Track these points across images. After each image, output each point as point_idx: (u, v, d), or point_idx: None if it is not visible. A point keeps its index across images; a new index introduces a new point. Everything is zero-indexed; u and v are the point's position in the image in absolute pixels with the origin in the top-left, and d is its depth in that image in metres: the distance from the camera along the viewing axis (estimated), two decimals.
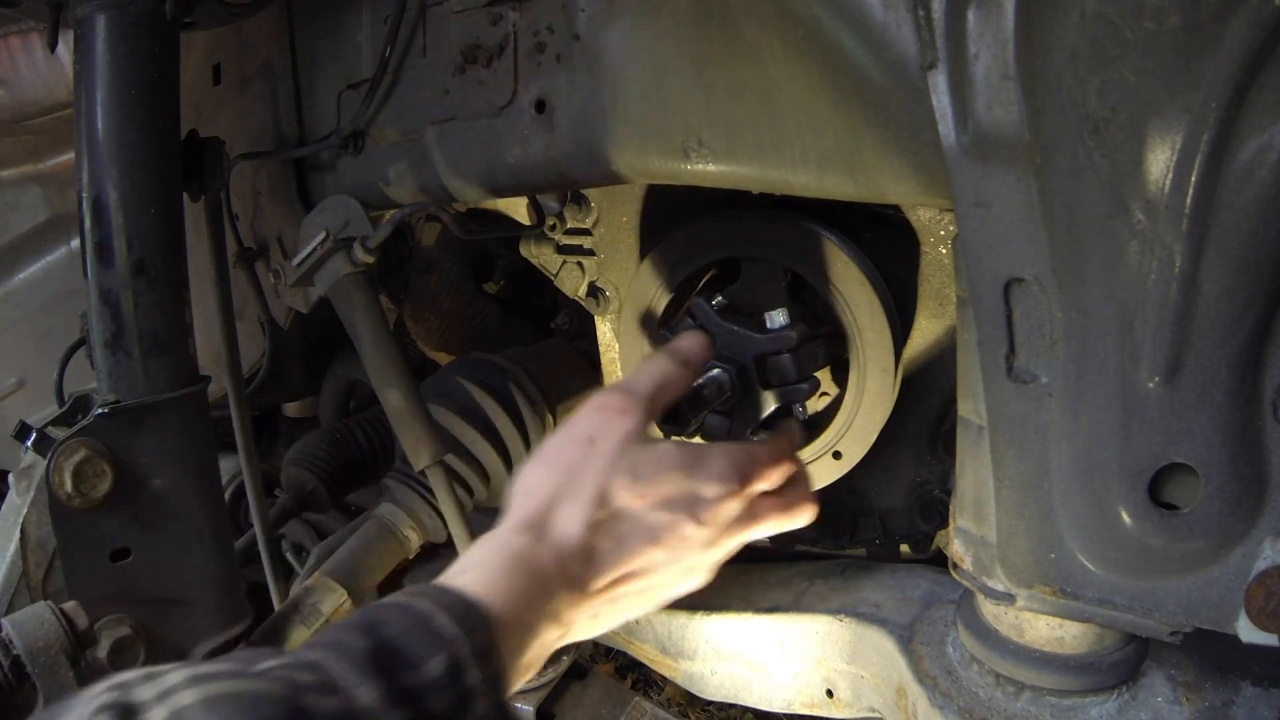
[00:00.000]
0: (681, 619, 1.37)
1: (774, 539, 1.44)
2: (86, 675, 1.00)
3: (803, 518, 0.98)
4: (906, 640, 1.14)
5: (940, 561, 1.31)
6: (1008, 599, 0.93)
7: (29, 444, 1.09)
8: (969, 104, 0.77)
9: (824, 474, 1.29)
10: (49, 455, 1.04)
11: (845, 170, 0.91)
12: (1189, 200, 0.68)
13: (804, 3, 0.85)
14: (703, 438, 1.13)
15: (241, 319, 1.52)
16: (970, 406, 0.93)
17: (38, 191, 1.96)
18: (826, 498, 1.35)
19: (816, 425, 1.27)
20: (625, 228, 1.38)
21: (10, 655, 0.96)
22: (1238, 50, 0.63)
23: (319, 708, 0.57)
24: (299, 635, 1.33)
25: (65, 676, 0.97)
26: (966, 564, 0.98)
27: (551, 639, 0.80)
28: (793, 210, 1.21)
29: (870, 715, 1.24)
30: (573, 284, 1.45)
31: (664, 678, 1.46)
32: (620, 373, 1.44)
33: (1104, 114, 0.69)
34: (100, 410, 1.08)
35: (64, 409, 1.16)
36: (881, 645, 1.17)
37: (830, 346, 1.20)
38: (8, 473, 1.55)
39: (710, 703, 1.62)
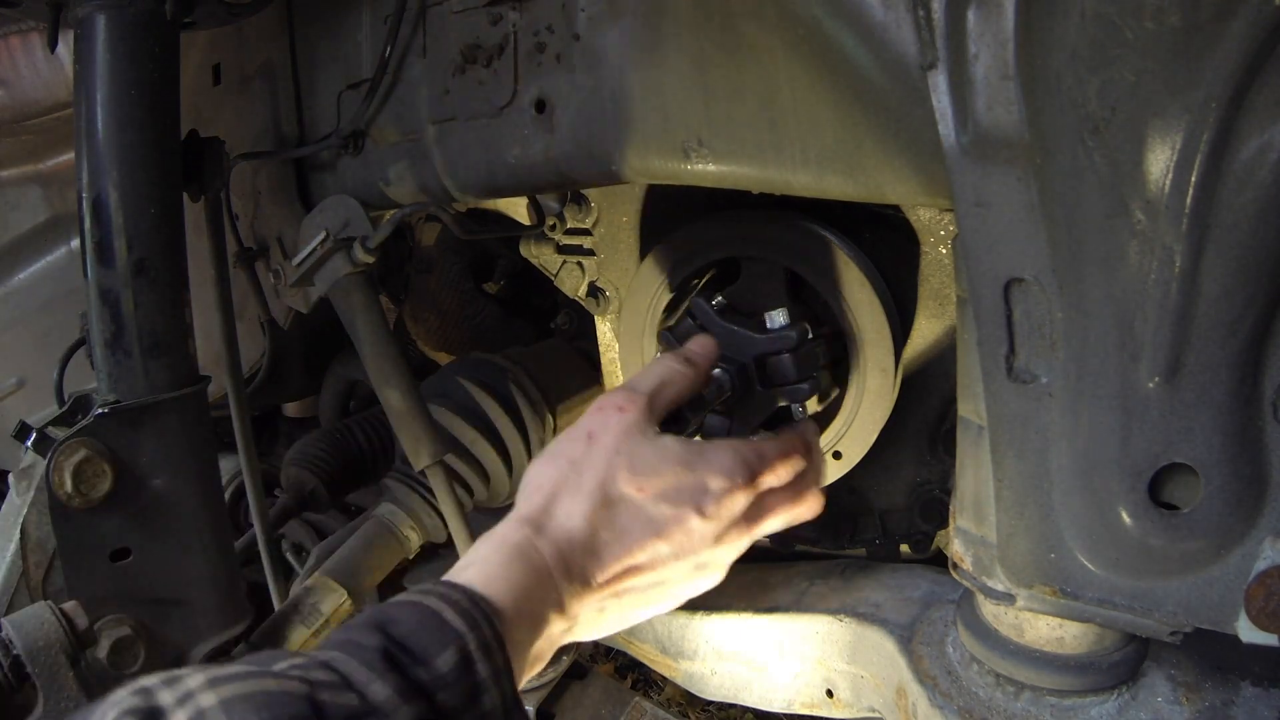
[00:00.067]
0: (681, 619, 1.37)
1: (774, 539, 1.45)
2: (86, 675, 1.00)
3: (810, 512, 0.99)
4: (906, 640, 1.14)
5: (940, 561, 1.31)
6: (1008, 599, 0.93)
7: (29, 444, 1.09)
8: (969, 104, 0.77)
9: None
10: (49, 455, 1.04)
11: (845, 170, 0.91)
12: (1189, 200, 0.68)
13: (804, 3, 0.85)
14: (703, 438, 1.13)
15: (241, 319, 1.52)
16: (970, 406, 0.93)
17: (38, 191, 1.96)
18: (826, 498, 1.35)
19: (816, 425, 1.27)
20: (625, 228, 1.38)
21: (10, 655, 0.96)
22: (1238, 50, 0.63)
23: (335, 705, 0.58)
24: (299, 635, 1.33)
25: (65, 676, 0.97)
26: (966, 564, 0.98)
27: (557, 632, 0.80)
28: (793, 210, 1.21)
29: (870, 715, 1.24)
30: (573, 284, 1.45)
31: (664, 678, 1.46)
32: (620, 373, 1.44)
33: (1104, 114, 0.69)
34: (100, 410, 1.08)
35: (64, 409, 1.16)
36: (881, 645, 1.17)
37: (830, 346, 1.20)
38: (8, 473, 1.55)
39: (710, 703, 1.62)
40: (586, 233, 1.41)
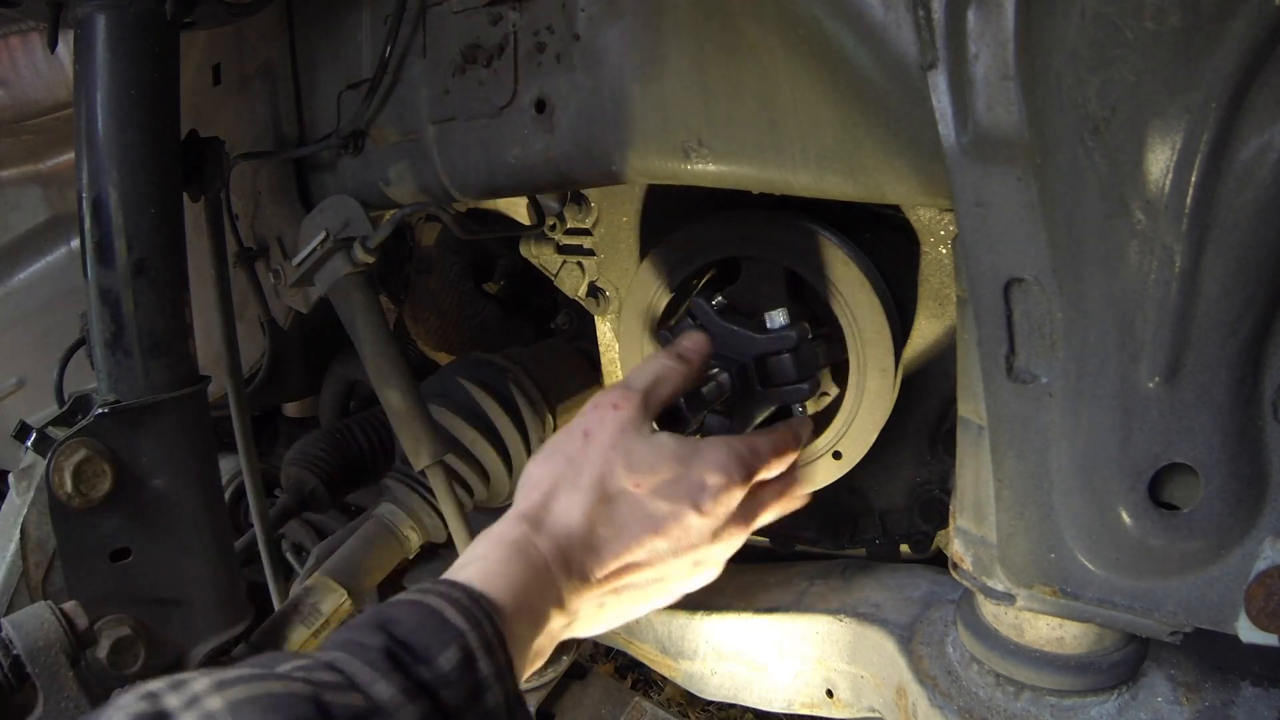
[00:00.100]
0: (681, 619, 1.37)
1: (774, 539, 1.45)
2: (86, 675, 1.00)
3: (799, 502, 1.01)
4: (906, 640, 1.14)
5: (940, 561, 1.31)
6: (1008, 599, 0.93)
7: (29, 444, 1.09)
8: (969, 104, 0.77)
9: (824, 474, 1.29)
10: (49, 455, 1.04)
11: (845, 170, 0.91)
12: (1189, 200, 0.68)
13: (804, 3, 0.85)
14: (702, 437, 1.13)
15: (241, 319, 1.52)
16: (970, 406, 0.93)
17: (38, 191, 1.96)
18: (826, 498, 1.35)
19: (816, 425, 1.27)
20: (625, 228, 1.38)
21: (10, 655, 0.96)
22: (1238, 50, 0.63)
23: (340, 705, 0.58)
24: (299, 635, 1.32)
25: (65, 676, 0.97)
26: (966, 564, 0.98)
27: (557, 628, 0.81)
28: (793, 210, 1.21)
29: (870, 715, 1.24)
30: (573, 284, 1.45)
31: (664, 678, 1.46)
32: (620, 373, 1.44)
33: (1104, 114, 0.69)
34: (100, 410, 1.08)
35: (64, 409, 1.16)
36: (881, 645, 1.17)
37: (830, 346, 1.20)
38: (8, 473, 1.55)
39: (710, 703, 1.62)
40: (586, 233, 1.41)
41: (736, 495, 0.90)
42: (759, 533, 1.08)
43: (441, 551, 1.89)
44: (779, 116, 0.92)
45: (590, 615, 0.85)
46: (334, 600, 1.36)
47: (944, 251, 1.21)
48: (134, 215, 1.08)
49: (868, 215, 1.23)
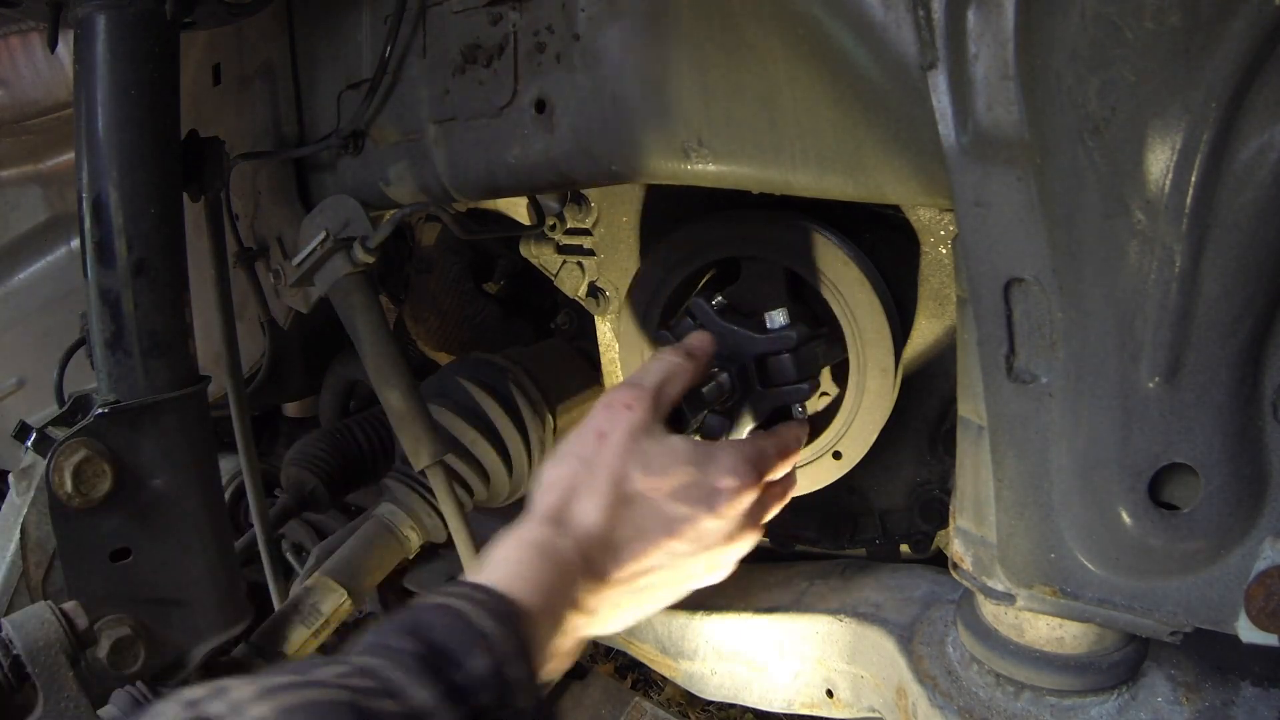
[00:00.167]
0: (681, 619, 1.37)
1: (774, 539, 1.45)
2: (86, 675, 1.00)
3: (790, 495, 1.04)
4: (906, 640, 1.14)
5: (940, 561, 1.31)
6: (1008, 599, 0.93)
7: (29, 444, 1.09)
8: (969, 104, 0.77)
9: (824, 474, 1.29)
10: (49, 455, 1.04)
11: (845, 170, 0.91)
12: (1189, 200, 0.68)
13: (804, 2, 0.85)
14: (702, 438, 1.13)
15: (241, 319, 1.52)
16: (970, 406, 0.93)
17: (38, 191, 1.96)
18: (826, 498, 1.35)
19: (816, 425, 1.27)
20: (625, 228, 1.38)
21: (10, 655, 0.96)
22: (1238, 50, 0.63)
23: (380, 711, 0.59)
24: (299, 635, 1.32)
25: (65, 676, 0.97)
26: (966, 564, 0.98)
27: (578, 629, 0.82)
28: (793, 210, 1.21)
29: (870, 715, 1.24)
30: (573, 284, 1.45)
31: (664, 678, 1.46)
32: (620, 373, 1.44)
33: (1104, 114, 0.69)
34: (100, 410, 1.08)
35: (64, 409, 1.16)
36: (881, 645, 1.17)
37: (830, 346, 1.20)
38: (8, 473, 1.55)
39: (710, 703, 1.62)
40: (586, 233, 1.41)
41: (748, 498, 0.92)
42: None
43: (441, 551, 1.89)
44: (779, 116, 0.92)
45: (608, 615, 0.86)
46: (334, 600, 1.36)
47: (944, 251, 1.21)
48: (134, 215, 1.08)
49: (868, 215, 1.23)
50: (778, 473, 0.99)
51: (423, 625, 0.68)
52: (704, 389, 1.03)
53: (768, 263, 1.21)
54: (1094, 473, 0.81)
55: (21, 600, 1.09)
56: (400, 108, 1.22)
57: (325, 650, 1.40)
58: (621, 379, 1.44)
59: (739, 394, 1.09)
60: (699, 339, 1.03)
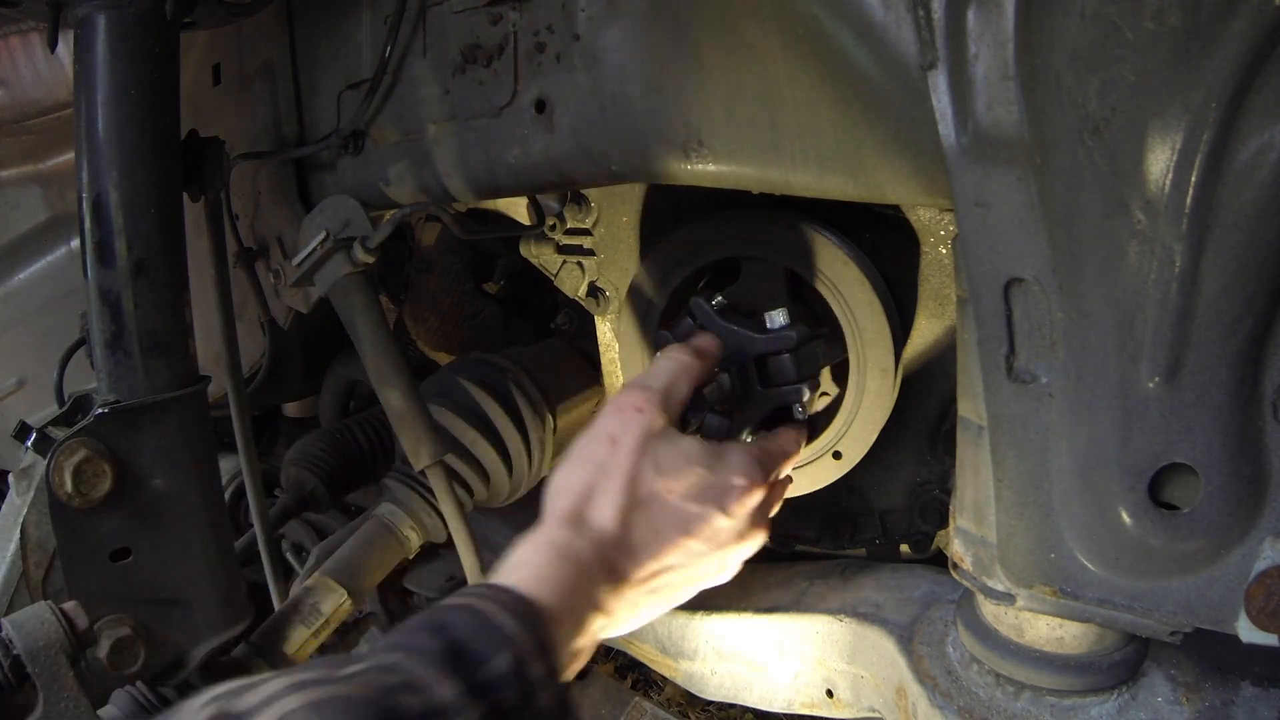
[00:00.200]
0: (681, 619, 1.37)
1: (774, 539, 1.45)
2: (86, 675, 1.00)
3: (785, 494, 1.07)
4: (906, 640, 1.14)
5: (940, 561, 1.31)
6: (1008, 599, 0.93)
7: (29, 444, 1.09)
8: (969, 104, 0.77)
9: (824, 474, 1.29)
10: (49, 455, 1.04)
11: (845, 170, 0.91)
12: (1189, 200, 0.68)
13: (804, 2, 0.85)
14: (702, 437, 1.13)
15: (241, 319, 1.51)
16: (970, 406, 0.93)
17: (38, 191, 1.96)
18: (826, 498, 1.35)
19: (816, 425, 1.27)
20: (625, 228, 1.38)
21: (10, 655, 0.95)
22: (1238, 50, 0.63)
23: (407, 707, 0.60)
24: (299, 635, 1.32)
25: (65, 676, 0.97)
26: (966, 564, 0.98)
27: (597, 628, 0.84)
28: (793, 210, 1.21)
29: (870, 715, 1.24)
30: (573, 284, 1.45)
31: (664, 678, 1.46)
32: (620, 372, 1.44)
33: (1104, 114, 0.69)
34: (100, 410, 1.08)
35: (64, 409, 1.16)
36: (881, 645, 1.17)
37: (830, 346, 1.20)
38: (8, 473, 1.55)
39: (710, 703, 1.62)
40: (586, 233, 1.41)
41: (758, 497, 0.95)
42: None
43: (441, 551, 1.89)
44: (779, 116, 0.92)
45: (625, 615, 0.88)
46: (334, 600, 1.36)
47: (944, 251, 1.21)
48: (134, 215, 1.08)
49: (868, 215, 1.23)
50: (781, 473, 1.02)
51: (446, 624, 0.69)
52: (705, 389, 1.03)
53: (768, 263, 1.21)
54: (1094, 473, 0.81)
55: (21, 600, 1.09)
56: (400, 108, 1.22)
57: (325, 650, 1.40)
58: (622, 379, 1.44)
59: (739, 394, 1.09)
60: (706, 340, 1.05)
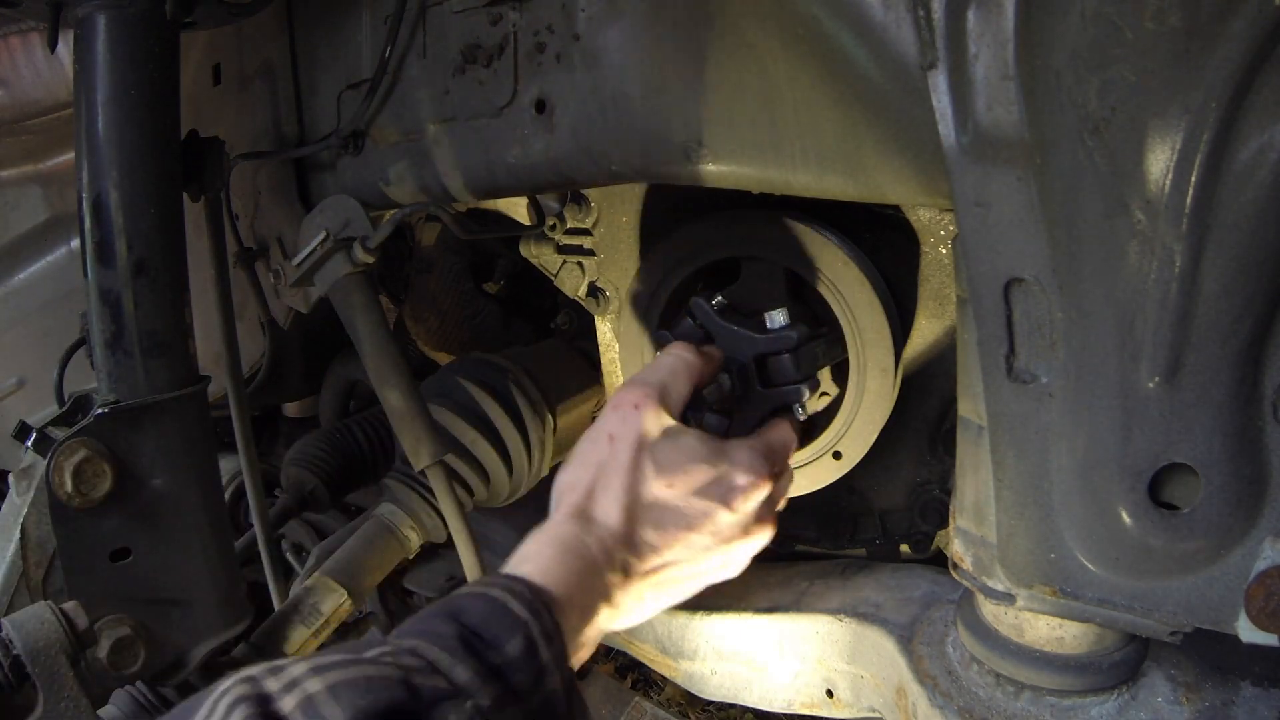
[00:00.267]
0: (681, 619, 1.37)
1: (774, 538, 1.45)
2: (86, 675, 1.00)
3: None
4: (906, 640, 1.14)
5: (940, 561, 1.31)
6: (1008, 599, 0.93)
7: (29, 444, 1.09)
8: (969, 104, 0.77)
9: (824, 474, 1.29)
10: (49, 455, 1.04)
11: (845, 170, 0.91)
12: (1189, 200, 0.68)
13: (804, 2, 0.85)
14: None
15: (241, 319, 1.51)
16: (970, 406, 0.93)
17: (38, 191, 1.96)
18: (826, 498, 1.35)
19: (816, 425, 1.27)
20: (625, 228, 1.38)
21: (10, 655, 0.95)
22: (1238, 50, 0.63)
23: (427, 687, 0.63)
24: (299, 635, 1.32)
25: (65, 676, 0.97)
26: (966, 564, 0.98)
27: (604, 620, 0.85)
28: (793, 210, 1.21)
29: (870, 715, 1.24)
30: (573, 284, 1.45)
31: (664, 678, 1.46)
32: (620, 373, 1.44)
33: (1104, 114, 0.70)
34: (100, 410, 1.08)
35: (64, 409, 1.16)
36: (881, 645, 1.17)
37: (830, 346, 1.20)
38: (8, 473, 1.55)
39: (710, 703, 1.62)
40: (586, 233, 1.41)
41: (763, 493, 0.95)
42: None
43: (441, 551, 1.89)
44: (779, 116, 0.92)
45: (630, 608, 0.89)
46: (334, 600, 1.36)
47: (944, 251, 1.21)
48: (134, 215, 1.08)
49: (868, 215, 1.23)
50: (783, 467, 1.01)
51: (462, 610, 0.72)
52: (705, 389, 1.03)
53: (768, 263, 1.21)
54: (1094, 473, 0.81)
55: (21, 600, 1.09)
56: (400, 108, 1.22)
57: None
58: (622, 379, 1.44)
59: (739, 394, 1.09)
60: (711, 348, 1.07)
